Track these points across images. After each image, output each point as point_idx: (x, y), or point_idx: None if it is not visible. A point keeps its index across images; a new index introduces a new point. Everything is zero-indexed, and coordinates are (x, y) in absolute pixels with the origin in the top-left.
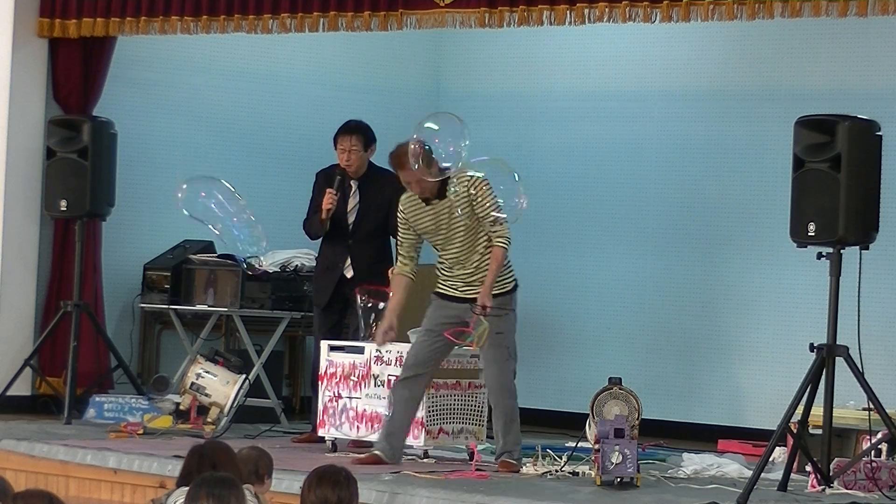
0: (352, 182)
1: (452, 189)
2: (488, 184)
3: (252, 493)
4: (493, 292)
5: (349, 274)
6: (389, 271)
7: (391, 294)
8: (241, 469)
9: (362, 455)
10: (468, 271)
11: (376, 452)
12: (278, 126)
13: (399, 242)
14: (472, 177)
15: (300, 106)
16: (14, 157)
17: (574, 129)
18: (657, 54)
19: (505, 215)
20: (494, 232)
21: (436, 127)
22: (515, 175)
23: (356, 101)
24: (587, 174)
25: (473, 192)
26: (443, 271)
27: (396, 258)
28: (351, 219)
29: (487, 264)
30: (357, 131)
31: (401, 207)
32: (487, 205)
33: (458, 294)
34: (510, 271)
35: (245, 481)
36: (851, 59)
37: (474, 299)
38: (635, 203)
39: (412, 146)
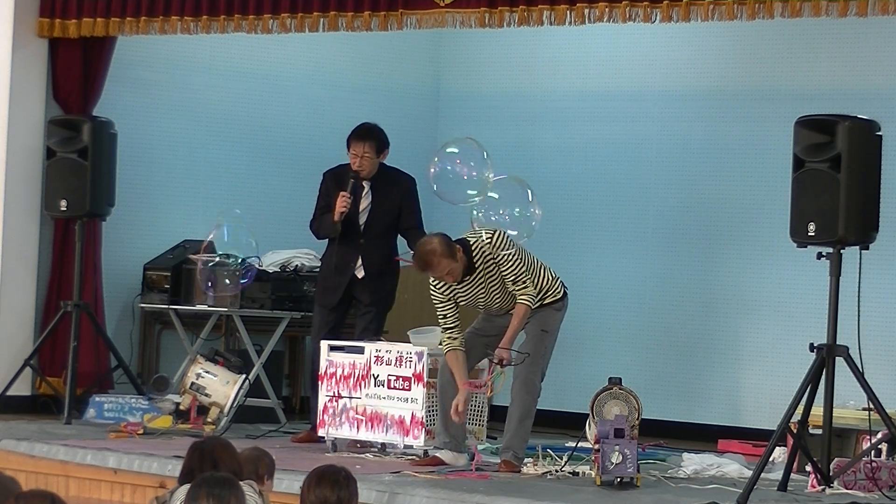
0: (364, 183)
1: (479, 263)
2: (504, 241)
3: (255, 490)
4: (547, 301)
5: (360, 274)
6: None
7: (452, 372)
8: (242, 465)
9: (421, 459)
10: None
11: (437, 454)
12: (278, 126)
13: (442, 319)
14: (490, 241)
15: (300, 106)
16: (14, 157)
17: (574, 129)
18: (657, 54)
19: (523, 281)
20: (518, 290)
21: (456, 150)
22: (529, 192)
23: (356, 101)
24: (587, 174)
25: (495, 255)
26: None
27: (442, 338)
28: (362, 220)
29: (539, 297)
30: (370, 137)
31: (435, 292)
32: (509, 267)
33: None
34: (556, 282)
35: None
36: (851, 59)
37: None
38: (635, 203)
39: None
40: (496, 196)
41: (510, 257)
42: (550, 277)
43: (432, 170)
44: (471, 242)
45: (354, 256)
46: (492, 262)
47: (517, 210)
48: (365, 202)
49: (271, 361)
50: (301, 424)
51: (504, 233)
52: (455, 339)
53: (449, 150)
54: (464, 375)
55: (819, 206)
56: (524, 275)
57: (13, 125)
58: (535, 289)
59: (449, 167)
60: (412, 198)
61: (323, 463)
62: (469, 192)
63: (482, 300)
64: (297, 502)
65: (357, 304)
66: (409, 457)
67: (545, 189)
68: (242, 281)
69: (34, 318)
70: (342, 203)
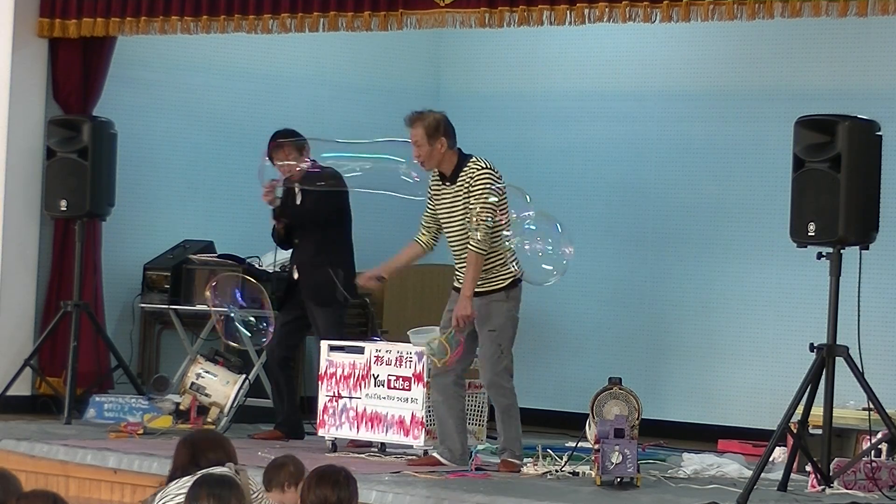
0: (295, 186)
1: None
2: (491, 175)
3: (233, 471)
4: (486, 288)
5: (296, 276)
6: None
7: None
8: (232, 454)
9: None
10: (461, 264)
11: (435, 454)
12: (278, 126)
13: (423, 215)
14: (480, 167)
15: (300, 106)
16: (14, 157)
17: (574, 129)
18: (657, 54)
19: (489, 222)
20: (473, 230)
21: (534, 227)
22: (558, 225)
23: (356, 101)
24: (587, 174)
25: (472, 182)
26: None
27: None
28: (297, 221)
29: (485, 262)
30: (286, 144)
31: (430, 182)
32: (478, 198)
33: (456, 284)
34: (506, 268)
35: (270, 488)
36: (851, 59)
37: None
38: (635, 203)
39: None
40: (534, 227)
41: (484, 195)
42: (506, 259)
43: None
44: (467, 159)
45: (293, 261)
46: (465, 186)
47: (550, 247)
48: (295, 205)
49: None
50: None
51: (496, 171)
52: (422, 236)
53: (527, 225)
54: (402, 261)
55: (819, 206)
56: (487, 221)
57: (13, 125)
58: (487, 247)
59: (527, 246)
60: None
61: (323, 463)
62: (545, 266)
63: (444, 219)
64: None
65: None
66: (410, 457)
67: (545, 189)
68: (263, 340)
69: (34, 318)
70: (278, 225)
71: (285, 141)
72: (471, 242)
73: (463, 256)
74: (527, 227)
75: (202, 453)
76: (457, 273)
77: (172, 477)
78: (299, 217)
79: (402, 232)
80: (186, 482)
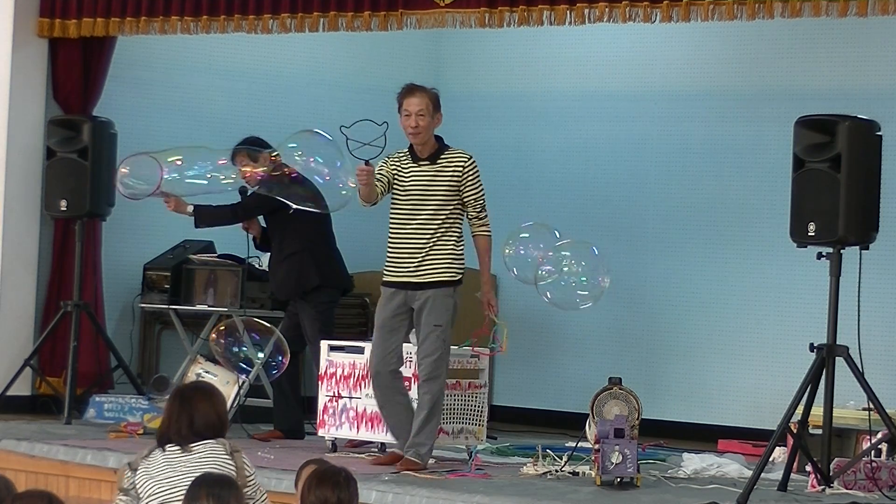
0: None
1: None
2: (477, 170)
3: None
4: (436, 279)
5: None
6: None
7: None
8: (221, 413)
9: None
10: (418, 256)
11: (395, 451)
12: (278, 126)
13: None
14: (471, 159)
15: (300, 106)
16: (14, 157)
17: (574, 129)
18: (657, 54)
19: (485, 209)
20: (480, 220)
21: (527, 235)
22: (594, 248)
23: (356, 101)
24: (587, 174)
25: (467, 172)
26: (391, 254)
27: None
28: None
29: (438, 252)
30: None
31: (388, 160)
32: (475, 192)
33: (404, 279)
34: (461, 262)
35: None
36: (851, 59)
37: (419, 285)
38: (635, 203)
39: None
40: (568, 253)
41: (479, 185)
42: (459, 256)
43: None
44: (448, 147)
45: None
46: (457, 173)
47: (584, 278)
48: None
49: None
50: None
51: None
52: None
53: (563, 252)
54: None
55: (819, 206)
56: (484, 206)
57: (13, 125)
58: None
59: (560, 278)
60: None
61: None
62: (580, 292)
63: (416, 198)
64: (297, 502)
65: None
66: (371, 454)
67: (545, 189)
68: (275, 373)
69: (34, 318)
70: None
71: (241, 148)
72: (479, 229)
73: (422, 240)
74: (562, 254)
75: (193, 404)
76: (397, 263)
77: (163, 438)
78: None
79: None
80: (175, 457)
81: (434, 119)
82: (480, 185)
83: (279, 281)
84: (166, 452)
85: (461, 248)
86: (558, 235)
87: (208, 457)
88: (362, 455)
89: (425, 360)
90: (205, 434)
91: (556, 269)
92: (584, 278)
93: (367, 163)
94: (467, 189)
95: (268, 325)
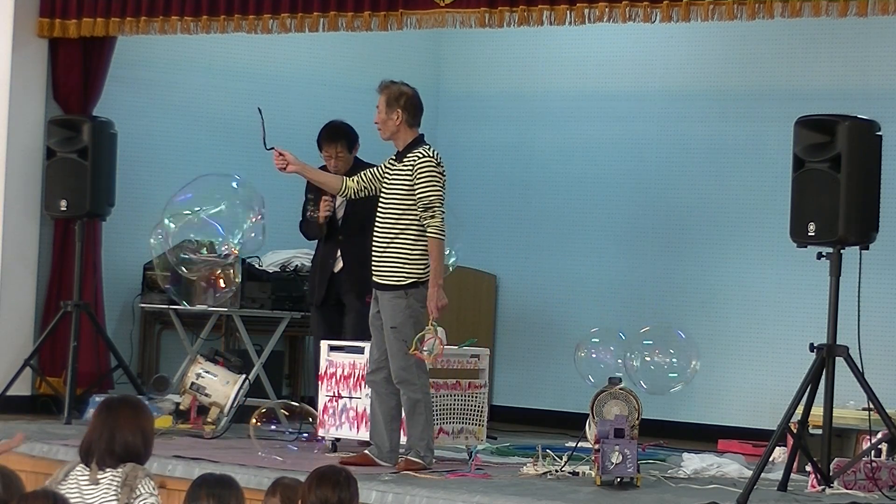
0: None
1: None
2: (436, 162)
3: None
4: (384, 282)
5: (337, 267)
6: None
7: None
8: (147, 433)
9: (353, 455)
10: (379, 257)
11: (367, 452)
12: (278, 126)
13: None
14: (426, 156)
15: (300, 106)
16: (14, 157)
17: (574, 129)
18: (657, 54)
19: (441, 208)
20: (428, 221)
21: (598, 340)
22: (681, 333)
23: (356, 101)
24: (587, 174)
25: (417, 169)
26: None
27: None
28: (339, 214)
29: (392, 254)
30: (341, 137)
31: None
32: (425, 185)
33: (374, 280)
34: (417, 265)
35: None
36: (851, 59)
37: (379, 286)
38: (635, 203)
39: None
40: (651, 342)
41: (430, 184)
42: (410, 259)
43: (633, 364)
44: (419, 146)
45: (333, 252)
46: (409, 172)
47: (675, 359)
48: (341, 199)
49: (271, 361)
50: (300, 424)
51: (440, 165)
52: (351, 180)
53: (646, 342)
54: (318, 178)
55: (819, 206)
56: (438, 206)
57: (13, 125)
58: (444, 232)
59: (649, 358)
60: None
61: (323, 463)
62: (671, 375)
63: (381, 197)
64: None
65: (344, 303)
66: (346, 452)
67: (545, 189)
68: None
69: (34, 318)
70: (325, 207)
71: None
72: (428, 230)
73: (382, 241)
74: (644, 343)
75: (117, 421)
76: (374, 260)
77: (86, 455)
78: (356, 214)
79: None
80: (85, 487)
81: (392, 115)
82: (433, 184)
83: (360, 283)
84: (80, 479)
85: (419, 250)
86: (623, 338)
87: (106, 491)
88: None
89: (392, 360)
90: (123, 457)
91: (642, 358)
92: (675, 359)
93: (271, 149)
94: (416, 186)
95: (304, 405)
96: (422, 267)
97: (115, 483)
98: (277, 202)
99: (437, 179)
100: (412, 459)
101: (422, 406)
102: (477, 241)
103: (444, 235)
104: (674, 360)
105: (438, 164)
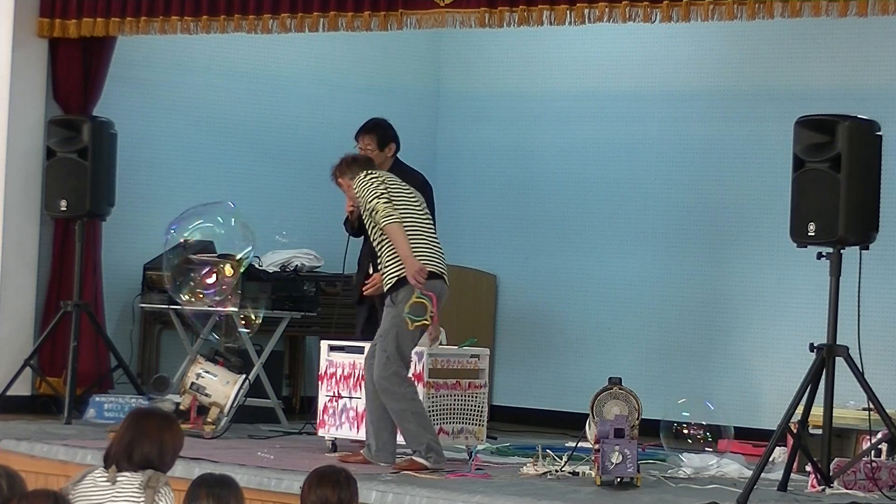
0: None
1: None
2: (362, 182)
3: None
4: (386, 288)
5: (371, 270)
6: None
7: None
8: (168, 451)
9: (350, 454)
10: (381, 263)
11: (362, 452)
12: (279, 126)
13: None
14: (357, 175)
15: (300, 106)
16: (14, 157)
17: (574, 129)
18: (657, 54)
19: (376, 205)
20: (377, 219)
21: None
22: (710, 404)
23: (356, 101)
24: (587, 174)
25: (356, 198)
26: None
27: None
28: None
29: (381, 262)
30: (372, 131)
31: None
32: (363, 201)
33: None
34: (398, 263)
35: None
36: (851, 59)
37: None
38: (635, 203)
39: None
40: (688, 414)
41: (363, 196)
42: (387, 262)
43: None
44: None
45: (368, 254)
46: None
47: (709, 433)
48: None
49: (271, 361)
50: (301, 424)
51: (366, 176)
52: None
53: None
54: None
55: (819, 206)
56: (375, 202)
57: (13, 125)
58: (391, 217)
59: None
60: (423, 195)
61: (323, 463)
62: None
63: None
64: (297, 502)
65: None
66: (344, 451)
67: (545, 189)
68: None
69: (34, 318)
70: (348, 204)
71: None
72: (382, 223)
73: (382, 256)
74: (683, 415)
75: (143, 431)
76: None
77: (107, 458)
78: None
79: None
80: (102, 488)
81: (385, 151)
82: (363, 193)
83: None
84: (98, 479)
85: (391, 251)
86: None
87: (121, 493)
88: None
89: (376, 368)
90: (140, 465)
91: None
92: (709, 433)
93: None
94: (362, 206)
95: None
96: (398, 264)
97: (134, 485)
98: (277, 202)
99: (365, 186)
100: (416, 460)
101: (408, 414)
102: (477, 241)
103: (392, 219)
104: (708, 433)
105: (364, 175)
